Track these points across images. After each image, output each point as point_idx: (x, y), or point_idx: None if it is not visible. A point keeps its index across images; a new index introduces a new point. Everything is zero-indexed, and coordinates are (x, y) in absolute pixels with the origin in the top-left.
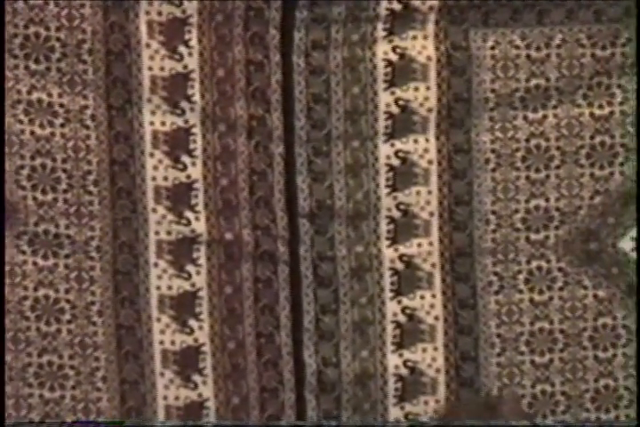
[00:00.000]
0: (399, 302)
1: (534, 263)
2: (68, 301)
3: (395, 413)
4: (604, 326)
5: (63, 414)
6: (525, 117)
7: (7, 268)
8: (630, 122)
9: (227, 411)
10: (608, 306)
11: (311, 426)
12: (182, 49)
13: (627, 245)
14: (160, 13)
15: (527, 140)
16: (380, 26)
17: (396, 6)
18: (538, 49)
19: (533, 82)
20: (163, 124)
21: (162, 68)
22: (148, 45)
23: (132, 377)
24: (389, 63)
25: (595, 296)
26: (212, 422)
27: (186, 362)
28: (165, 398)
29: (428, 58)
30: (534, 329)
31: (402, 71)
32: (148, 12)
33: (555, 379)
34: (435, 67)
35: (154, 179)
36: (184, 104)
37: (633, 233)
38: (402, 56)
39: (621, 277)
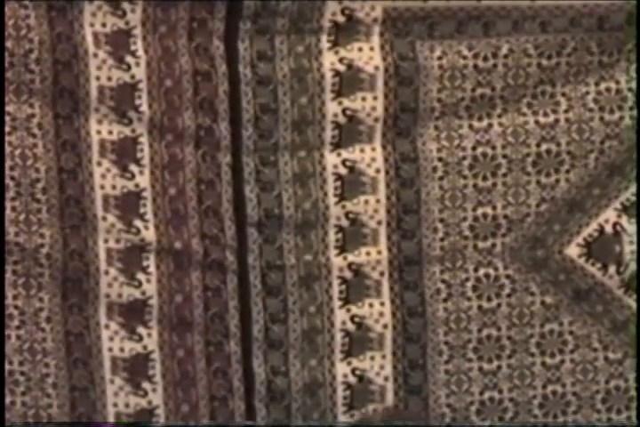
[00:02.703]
0: (348, 310)
1: (482, 271)
2: (16, 307)
3: (344, 421)
4: (551, 332)
5: (14, 420)
6: (471, 126)
7: None
8: (576, 129)
9: (176, 419)
10: (555, 312)
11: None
12: (129, 59)
13: (573, 251)
14: (104, 25)
15: (473, 149)
16: (324, 38)
17: (340, 18)
18: (485, 59)
19: (479, 91)
20: (110, 133)
21: (109, 78)
22: (95, 55)
23: (81, 384)
24: (337, 73)
25: (542, 303)
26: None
27: (135, 369)
28: (115, 404)
29: (376, 68)
30: (482, 336)
31: (349, 81)
32: (92, 24)
33: (503, 386)
34: (382, 77)
35: (102, 187)
36: (131, 113)
37: (579, 240)
38: (349, 66)
39: (568, 283)
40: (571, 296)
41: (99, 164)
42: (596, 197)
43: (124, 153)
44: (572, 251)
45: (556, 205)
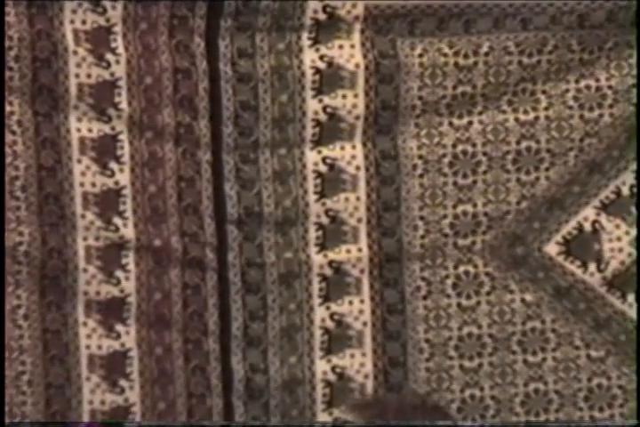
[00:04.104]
0: (327, 307)
1: (462, 268)
2: None
3: (323, 418)
4: (533, 329)
5: None
6: (451, 123)
7: None
8: (556, 126)
9: (153, 416)
10: (536, 310)
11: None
12: (109, 56)
13: (552, 249)
14: (84, 22)
15: (454, 146)
16: (304, 35)
17: (321, 16)
18: (466, 57)
19: (460, 89)
20: (90, 130)
21: (89, 76)
22: (75, 52)
23: (57, 381)
24: (317, 71)
25: (522, 300)
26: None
27: (112, 367)
28: (91, 402)
29: (357, 65)
30: (462, 334)
31: (330, 79)
32: (72, 21)
33: (484, 383)
34: (363, 74)
35: (82, 185)
36: (111, 111)
37: (558, 237)
38: (330, 64)
39: (548, 281)
40: (551, 294)
41: (78, 161)
42: (576, 194)
43: (103, 150)
44: (552, 249)
45: (536, 202)
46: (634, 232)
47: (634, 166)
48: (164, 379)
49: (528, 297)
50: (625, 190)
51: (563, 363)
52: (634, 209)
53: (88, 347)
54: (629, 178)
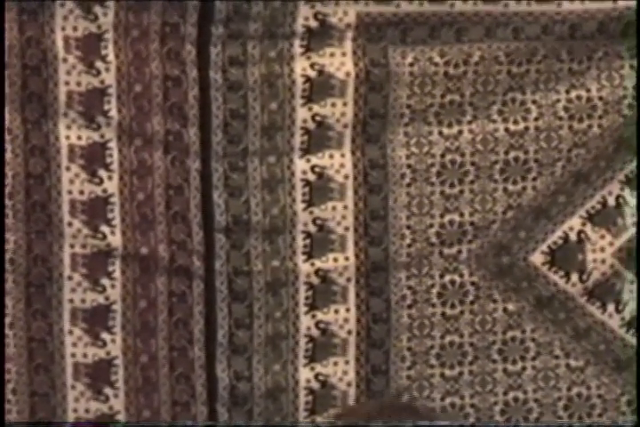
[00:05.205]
0: (313, 316)
1: (447, 277)
2: None
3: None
4: (513, 339)
5: None
6: (441, 133)
7: None
8: (545, 137)
9: (138, 423)
10: (517, 319)
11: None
12: (99, 64)
13: (537, 259)
14: (75, 29)
15: (442, 156)
16: (296, 42)
17: (313, 23)
18: (456, 66)
19: (449, 98)
20: (79, 138)
21: (78, 83)
22: (64, 60)
23: (42, 389)
24: (307, 79)
25: (504, 310)
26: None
27: (98, 375)
28: (75, 410)
29: (347, 74)
30: (444, 342)
31: (320, 87)
32: (63, 28)
33: (464, 392)
34: (353, 83)
35: (70, 192)
36: (100, 119)
37: (543, 247)
38: (320, 72)
39: (531, 290)
40: (533, 304)
41: (67, 169)
42: (562, 204)
43: (92, 158)
44: (537, 258)
45: (522, 212)
46: (618, 243)
47: (620, 177)
48: (148, 387)
49: (510, 306)
50: (611, 201)
51: (542, 372)
52: (620, 220)
53: (73, 355)
54: (615, 188)
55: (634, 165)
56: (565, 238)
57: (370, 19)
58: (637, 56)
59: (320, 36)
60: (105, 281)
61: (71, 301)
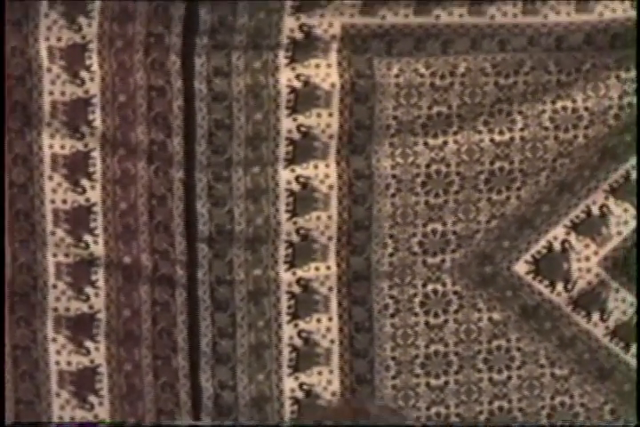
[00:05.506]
0: (295, 325)
1: (430, 287)
2: None
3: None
4: (499, 348)
5: None
6: (426, 143)
7: None
8: (530, 147)
9: (122, 422)
10: (502, 329)
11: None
12: (84, 74)
13: (521, 268)
14: (59, 39)
15: (427, 166)
16: (281, 53)
17: (298, 35)
18: (442, 77)
19: (435, 109)
20: (62, 147)
21: (62, 93)
22: (49, 70)
23: (27, 397)
24: (293, 90)
25: (489, 319)
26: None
27: (82, 383)
28: (60, 418)
29: (332, 85)
30: (429, 352)
31: (305, 98)
32: (47, 38)
33: (450, 401)
34: (338, 94)
35: (53, 202)
36: (84, 128)
37: (527, 256)
38: (306, 83)
39: (515, 299)
40: (518, 313)
41: (50, 178)
42: (546, 213)
43: (75, 168)
44: (521, 268)
45: (506, 221)
46: (603, 252)
47: (605, 186)
48: (133, 395)
49: (495, 316)
50: (595, 210)
51: (527, 381)
52: (604, 229)
53: (58, 363)
54: (600, 198)
55: (618, 174)
56: (549, 248)
57: (355, 30)
58: (637, 64)
59: (305, 47)
60: (89, 290)
61: (55, 309)
